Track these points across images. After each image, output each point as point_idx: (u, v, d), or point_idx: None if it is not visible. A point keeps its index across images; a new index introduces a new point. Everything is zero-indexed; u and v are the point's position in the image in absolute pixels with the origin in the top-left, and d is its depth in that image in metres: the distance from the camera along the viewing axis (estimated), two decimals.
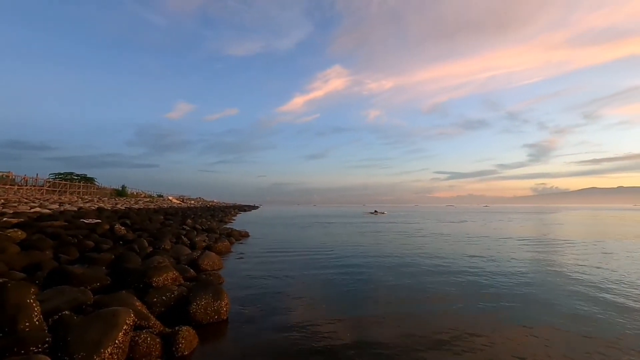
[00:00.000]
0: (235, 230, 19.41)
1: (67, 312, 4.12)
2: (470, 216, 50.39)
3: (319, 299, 6.80)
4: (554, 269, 9.93)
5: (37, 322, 3.76)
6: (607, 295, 7.07)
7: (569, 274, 9.18)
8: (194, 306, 5.19)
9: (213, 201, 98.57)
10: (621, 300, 6.75)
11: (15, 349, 3.30)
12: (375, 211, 64.38)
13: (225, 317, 5.43)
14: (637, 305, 6.37)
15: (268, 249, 14.22)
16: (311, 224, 31.90)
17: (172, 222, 20.18)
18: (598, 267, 10.09)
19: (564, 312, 6.02)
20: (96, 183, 48.80)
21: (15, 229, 9.32)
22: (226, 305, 5.49)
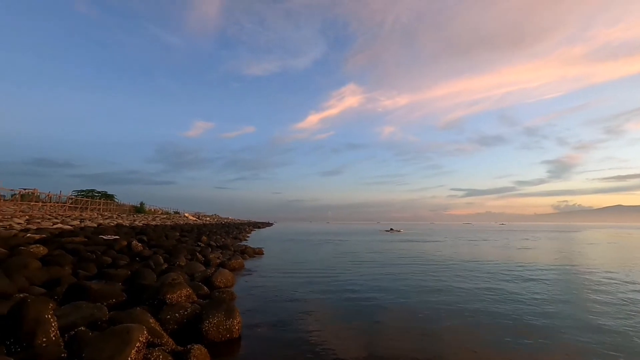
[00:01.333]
0: (250, 247, 19.46)
1: (82, 328, 4.18)
2: (490, 235, 49.02)
3: (331, 318, 6.70)
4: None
5: (53, 338, 3.83)
6: None
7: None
8: (206, 324, 5.18)
9: (228, 218, 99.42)
10: None
11: None
12: (392, 229, 62.86)
13: (237, 335, 5.40)
14: None
15: (281, 266, 14.15)
16: (325, 241, 31.65)
17: (187, 238, 20.42)
18: None
19: None
20: (116, 200, 50.12)
21: (38, 245, 9.62)
22: (238, 323, 5.46)
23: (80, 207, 35.35)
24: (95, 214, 33.07)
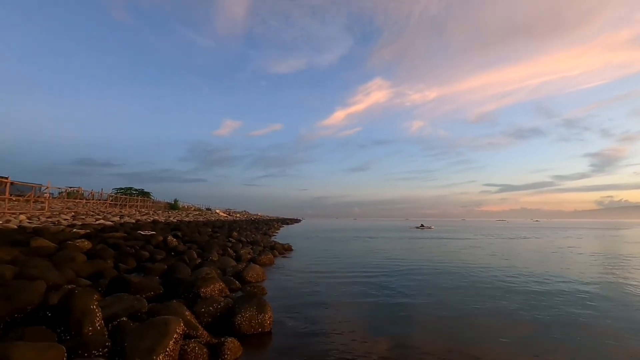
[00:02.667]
0: (279, 243, 19.73)
1: (124, 319, 4.41)
2: (528, 232, 46.84)
3: (361, 318, 6.60)
4: None
5: (98, 327, 4.06)
6: None
7: None
8: (238, 318, 5.30)
9: (258, 214, 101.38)
10: None
11: (80, 351, 3.58)
12: (422, 225, 61.33)
13: (268, 329, 5.48)
14: None
15: (311, 263, 14.22)
16: (353, 238, 31.51)
17: (219, 234, 21.02)
18: None
19: None
20: (152, 197, 52.53)
21: (83, 239, 10.24)
22: (270, 317, 5.55)
23: (120, 204, 37.31)
24: (134, 210, 34.80)
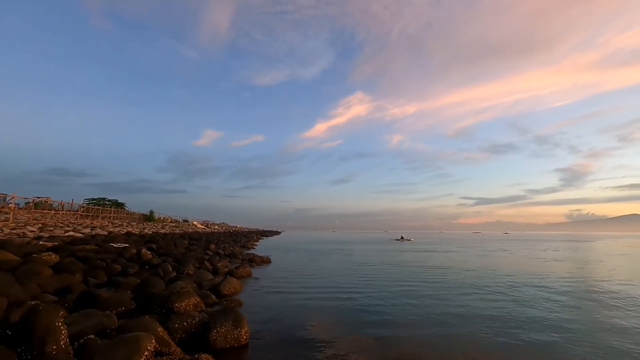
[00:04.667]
0: (258, 255, 19.46)
1: (92, 337, 4.22)
2: (501, 244, 48.23)
3: (339, 329, 6.60)
4: None
5: (63, 346, 3.87)
6: None
7: None
8: (214, 333, 5.18)
9: (237, 226, 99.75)
10: None
11: None
12: (402, 237, 61.89)
13: (245, 343, 5.38)
14: None
15: (288, 275, 14.09)
16: (334, 250, 31.46)
17: (196, 247, 20.53)
18: None
19: None
20: (126, 208, 50.76)
21: (50, 252, 9.77)
22: (246, 331, 5.45)
23: (92, 215, 35.87)
24: (106, 222, 33.52)
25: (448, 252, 30.15)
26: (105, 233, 20.10)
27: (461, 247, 39.01)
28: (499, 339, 6.02)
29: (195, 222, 66.24)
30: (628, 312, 8.13)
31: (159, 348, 4.31)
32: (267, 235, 76.56)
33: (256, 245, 38.03)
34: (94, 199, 48.74)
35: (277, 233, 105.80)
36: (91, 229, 21.31)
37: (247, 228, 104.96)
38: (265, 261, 18.45)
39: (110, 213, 41.05)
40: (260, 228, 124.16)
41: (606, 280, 13.11)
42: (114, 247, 13.72)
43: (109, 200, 50.28)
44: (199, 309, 6.57)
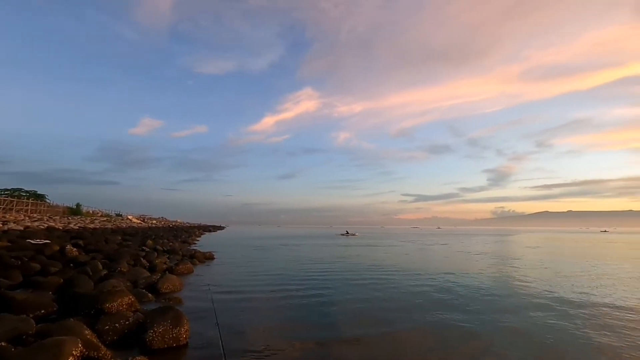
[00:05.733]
0: (200, 251, 18.70)
1: (3, 344, 3.73)
2: (438, 238, 51.87)
3: (284, 324, 6.60)
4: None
5: None
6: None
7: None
8: (150, 334, 4.87)
9: (177, 221, 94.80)
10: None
11: None
12: (347, 232, 64.00)
13: (184, 342, 5.14)
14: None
15: (232, 271, 13.78)
16: (279, 245, 31.37)
17: (130, 243, 19.13)
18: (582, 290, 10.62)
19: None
20: (47, 200, 45.48)
21: None
22: (186, 330, 5.21)
23: (4, 208, 31.57)
24: (22, 215, 29.72)
25: (390, 246, 31.73)
26: (21, 228, 17.86)
27: (402, 241, 41.27)
28: (439, 330, 6.52)
29: (130, 217, 61.51)
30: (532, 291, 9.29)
31: (87, 352, 3.96)
32: (210, 231, 73.90)
33: (198, 240, 36.54)
34: (7, 190, 43.00)
35: (221, 228, 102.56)
36: (3, 224, 18.77)
37: (188, 223, 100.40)
38: (208, 257, 17.81)
39: (27, 205, 36.48)
40: (203, 223, 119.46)
41: (521, 268, 14.82)
42: (32, 243, 12.25)
43: (26, 191, 44.72)
44: (133, 309, 6.12)
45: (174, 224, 75.87)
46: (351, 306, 8.09)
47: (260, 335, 5.83)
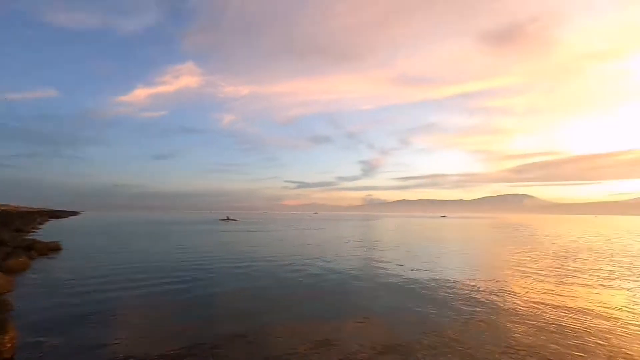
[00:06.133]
0: (42, 242, 15.43)
1: None
2: (316, 223, 55.17)
3: (141, 326, 5.73)
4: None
5: None
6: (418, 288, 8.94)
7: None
8: None
9: (9, 205, 75.77)
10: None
11: None
12: (228, 217, 63.50)
13: (9, 355, 4.23)
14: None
15: (82, 265, 11.79)
16: (147, 233, 28.49)
17: None
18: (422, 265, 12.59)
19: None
20: None
21: None
22: (11, 339, 4.30)
23: None
24: None
25: (269, 231, 32.44)
26: None
27: (281, 226, 42.63)
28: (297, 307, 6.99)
29: None
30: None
31: None
32: (57, 217, 61.92)
33: (40, 228, 30.29)
34: None
35: (74, 214, 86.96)
36: None
37: (26, 207, 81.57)
38: (53, 248, 14.93)
39: None
40: (49, 207, 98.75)
41: (378, 249, 17.16)
42: None
43: None
44: None
45: (3, 208, 60.38)
46: (221, 300, 7.49)
47: (108, 341, 4.98)
